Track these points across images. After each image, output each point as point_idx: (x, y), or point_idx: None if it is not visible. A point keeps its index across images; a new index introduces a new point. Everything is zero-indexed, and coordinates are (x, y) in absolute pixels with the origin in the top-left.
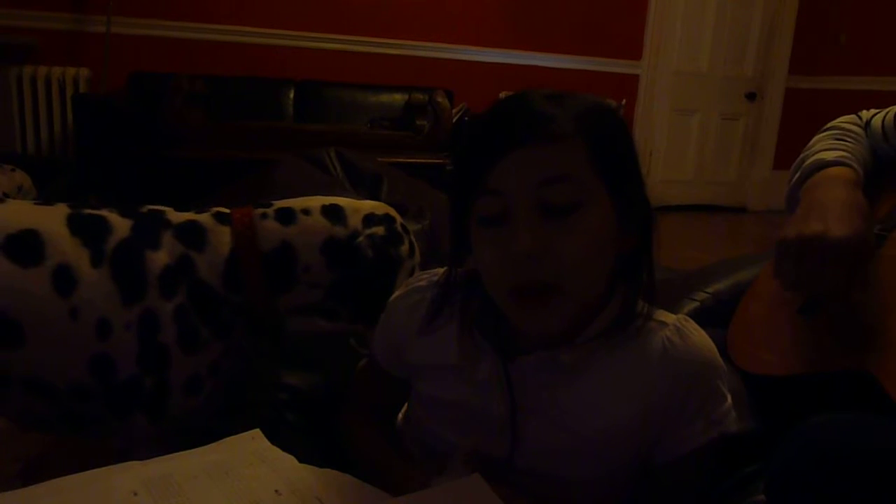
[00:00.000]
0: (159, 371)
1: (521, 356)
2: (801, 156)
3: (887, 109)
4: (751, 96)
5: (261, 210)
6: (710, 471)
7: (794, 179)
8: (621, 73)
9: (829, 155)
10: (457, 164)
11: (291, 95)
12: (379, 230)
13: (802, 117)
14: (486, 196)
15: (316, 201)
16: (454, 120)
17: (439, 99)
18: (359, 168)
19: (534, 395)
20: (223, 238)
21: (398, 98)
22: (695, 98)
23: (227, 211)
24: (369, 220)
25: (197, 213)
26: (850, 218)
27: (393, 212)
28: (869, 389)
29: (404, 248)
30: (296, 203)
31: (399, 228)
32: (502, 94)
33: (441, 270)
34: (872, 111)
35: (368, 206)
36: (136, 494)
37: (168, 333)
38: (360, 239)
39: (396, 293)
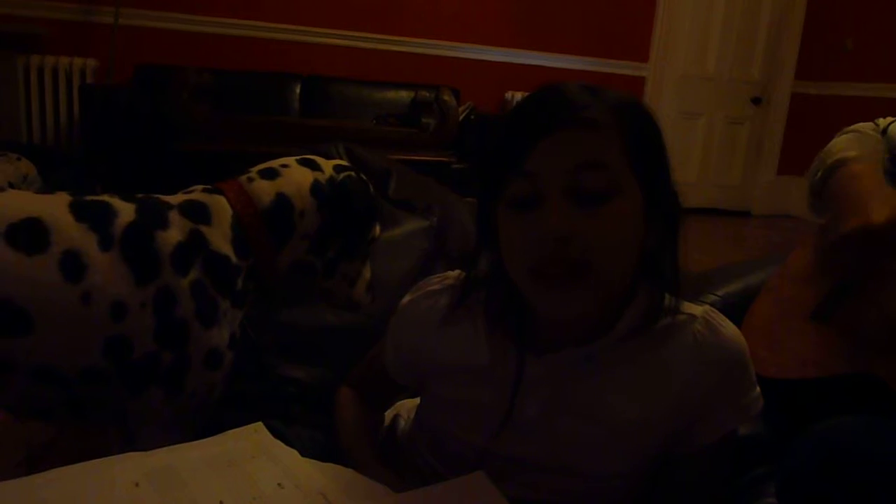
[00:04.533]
0: (179, 346)
1: (550, 353)
2: (821, 155)
3: None
4: (756, 100)
5: (244, 176)
6: (731, 461)
7: (816, 177)
8: (628, 74)
9: (851, 153)
10: (491, 148)
11: (298, 90)
12: (351, 174)
13: (808, 122)
14: (519, 179)
15: (288, 158)
16: (460, 118)
17: (445, 97)
18: (367, 164)
19: (565, 393)
20: (223, 207)
21: (404, 95)
22: (701, 101)
23: (212, 186)
24: (339, 168)
25: (184, 193)
26: (884, 205)
27: (354, 166)
28: (878, 393)
29: (372, 190)
30: (272, 163)
31: (364, 176)
32: (508, 95)
33: (453, 274)
34: (889, 119)
35: (333, 161)
36: (137, 485)
37: (186, 308)
38: (341, 177)
39: (407, 297)
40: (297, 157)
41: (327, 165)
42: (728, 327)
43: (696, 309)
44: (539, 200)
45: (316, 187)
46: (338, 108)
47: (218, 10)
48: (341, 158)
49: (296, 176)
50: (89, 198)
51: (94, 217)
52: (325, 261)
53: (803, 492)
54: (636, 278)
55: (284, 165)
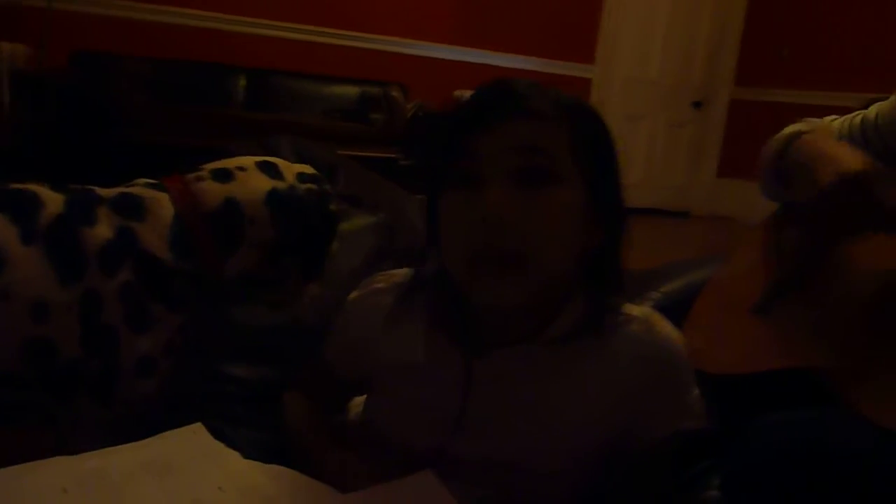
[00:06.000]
0: (106, 353)
1: (492, 352)
2: (771, 141)
3: (850, 115)
4: (697, 105)
5: (193, 174)
6: (676, 461)
7: (771, 153)
8: (575, 76)
9: (803, 127)
10: (440, 136)
11: (242, 83)
12: (312, 187)
13: (745, 127)
14: (462, 159)
15: (247, 160)
16: (408, 115)
17: (394, 93)
18: (314, 158)
19: (507, 391)
20: (162, 204)
21: (352, 91)
22: (644, 104)
23: (156, 181)
24: (302, 177)
25: (125, 186)
26: (852, 154)
27: (319, 174)
28: (813, 388)
29: (334, 207)
30: (228, 162)
31: (327, 188)
32: (457, 93)
33: (400, 272)
34: (833, 116)
35: (297, 165)
36: (66, 491)
37: (113, 313)
38: (302, 191)
39: (354, 294)
40: (258, 160)
41: (289, 172)
42: (666, 328)
43: (635, 310)
44: (480, 182)
45: (272, 197)
46: (283, 101)
47: None
48: (287, 152)
49: (251, 182)
50: (13, 186)
51: (16, 208)
52: (276, 274)
53: (749, 485)
54: (577, 280)
55: (241, 168)
